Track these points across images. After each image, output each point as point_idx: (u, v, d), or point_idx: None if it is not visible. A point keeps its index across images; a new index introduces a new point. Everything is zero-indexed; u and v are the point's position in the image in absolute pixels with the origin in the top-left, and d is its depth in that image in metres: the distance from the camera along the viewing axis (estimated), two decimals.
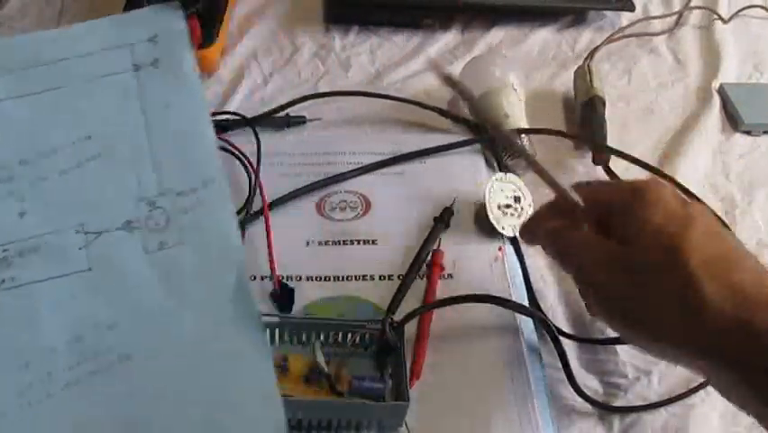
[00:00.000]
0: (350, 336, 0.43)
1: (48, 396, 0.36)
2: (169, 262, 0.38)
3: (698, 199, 0.54)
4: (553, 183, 0.40)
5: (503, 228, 0.52)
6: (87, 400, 0.36)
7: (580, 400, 0.44)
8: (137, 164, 0.40)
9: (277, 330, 0.43)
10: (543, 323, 0.47)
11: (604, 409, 0.44)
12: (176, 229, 0.39)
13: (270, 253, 0.49)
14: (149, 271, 0.38)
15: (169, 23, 0.42)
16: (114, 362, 0.36)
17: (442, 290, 0.49)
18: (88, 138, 0.40)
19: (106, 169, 0.40)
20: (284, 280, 0.48)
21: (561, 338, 0.46)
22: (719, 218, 0.53)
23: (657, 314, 0.35)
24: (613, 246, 0.36)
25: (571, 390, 0.45)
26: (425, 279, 0.49)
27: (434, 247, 0.51)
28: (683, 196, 0.38)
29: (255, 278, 0.49)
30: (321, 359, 0.41)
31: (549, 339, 0.47)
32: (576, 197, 0.39)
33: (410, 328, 0.44)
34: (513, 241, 0.53)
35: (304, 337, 0.43)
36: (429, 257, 0.50)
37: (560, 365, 0.45)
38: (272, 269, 0.48)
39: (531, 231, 0.42)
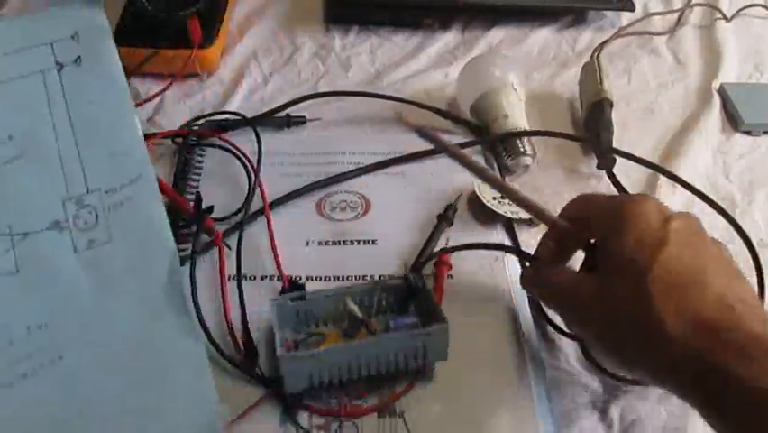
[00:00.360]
0: (375, 297, 0.44)
1: None
2: (100, 260, 0.38)
3: (702, 196, 0.53)
4: (541, 213, 0.42)
5: (505, 212, 0.52)
6: (19, 403, 0.36)
7: (580, 400, 0.44)
8: (63, 163, 0.39)
9: (305, 311, 0.44)
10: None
11: (608, 377, 0.45)
12: (105, 226, 0.39)
13: (275, 253, 0.49)
14: (79, 270, 0.38)
15: (90, 21, 0.41)
16: (47, 363, 0.36)
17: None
18: (10, 138, 0.39)
19: (31, 169, 0.39)
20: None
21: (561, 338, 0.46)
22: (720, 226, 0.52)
23: (625, 344, 0.36)
24: (587, 283, 0.38)
25: (572, 390, 0.45)
26: (431, 278, 0.49)
27: (444, 245, 0.50)
28: (667, 210, 0.38)
29: (254, 278, 0.49)
30: (353, 306, 0.42)
31: (549, 339, 0.47)
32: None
33: None
34: (512, 236, 0.53)
35: (333, 311, 0.44)
36: (437, 256, 0.50)
37: (560, 365, 0.46)
38: (279, 269, 0.48)
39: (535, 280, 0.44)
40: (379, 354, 0.41)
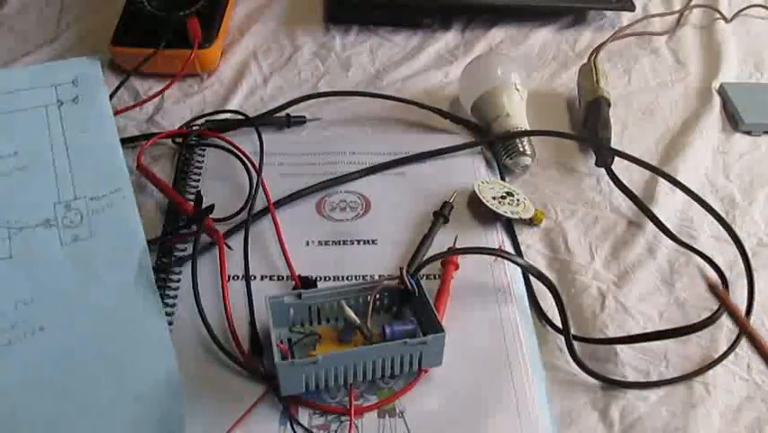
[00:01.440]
0: (369, 297, 0.44)
1: None
2: (82, 251, 0.48)
3: (699, 200, 0.53)
4: None
5: (505, 212, 0.52)
6: (6, 366, 0.43)
7: (580, 400, 0.44)
8: (57, 175, 0.50)
9: (301, 309, 0.44)
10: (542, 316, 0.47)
11: (604, 382, 0.45)
12: (88, 226, 0.49)
13: (285, 252, 0.50)
14: (64, 259, 0.47)
15: (88, 70, 0.55)
16: (29, 333, 0.44)
17: None
18: (15, 154, 0.51)
19: (31, 178, 0.50)
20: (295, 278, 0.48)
21: (558, 336, 0.46)
22: None
23: None
24: None
25: (572, 390, 0.45)
26: (438, 278, 0.49)
27: (452, 245, 0.50)
28: None
29: (255, 277, 0.49)
30: (349, 312, 0.42)
31: (549, 339, 0.47)
32: None
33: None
34: (511, 236, 0.53)
35: (328, 310, 0.45)
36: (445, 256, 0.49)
37: (560, 365, 0.46)
38: (290, 267, 0.49)
39: None
40: (374, 360, 0.41)
